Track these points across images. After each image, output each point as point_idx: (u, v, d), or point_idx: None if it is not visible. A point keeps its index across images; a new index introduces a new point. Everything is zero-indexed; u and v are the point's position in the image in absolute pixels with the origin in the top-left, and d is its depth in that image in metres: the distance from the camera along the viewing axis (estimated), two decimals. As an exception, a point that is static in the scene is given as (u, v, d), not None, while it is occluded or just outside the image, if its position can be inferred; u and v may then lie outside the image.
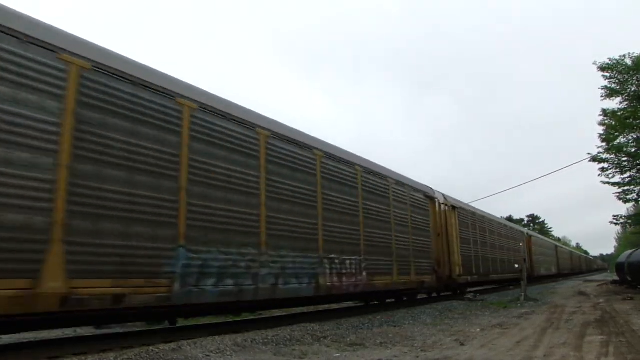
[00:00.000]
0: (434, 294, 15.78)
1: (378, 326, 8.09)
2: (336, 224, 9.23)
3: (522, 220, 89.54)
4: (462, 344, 6.01)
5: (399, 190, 12.22)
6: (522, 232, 28.00)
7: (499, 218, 24.87)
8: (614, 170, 22.03)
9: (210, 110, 6.72)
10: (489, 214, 21.98)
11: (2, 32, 4.57)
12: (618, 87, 20.99)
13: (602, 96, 21.49)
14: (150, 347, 5.34)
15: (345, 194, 9.72)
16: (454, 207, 16.15)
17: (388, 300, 13.08)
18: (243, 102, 7.73)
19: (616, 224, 28.53)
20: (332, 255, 8.91)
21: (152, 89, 5.95)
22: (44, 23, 5.10)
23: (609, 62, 20.50)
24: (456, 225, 15.90)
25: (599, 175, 22.41)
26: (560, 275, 40.42)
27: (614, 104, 21.57)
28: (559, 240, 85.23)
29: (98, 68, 5.37)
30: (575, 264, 56.61)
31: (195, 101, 6.53)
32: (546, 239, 44.04)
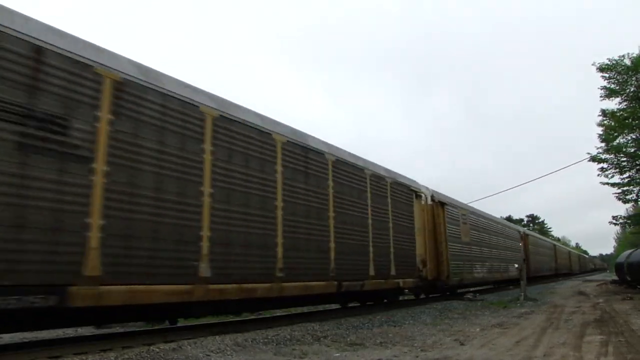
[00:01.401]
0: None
1: (378, 326, 8.10)
2: None
3: (522, 220, 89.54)
4: (462, 344, 6.02)
5: None
6: (415, 194, 13.14)
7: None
8: (614, 171, 22.03)
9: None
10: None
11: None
12: (617, 88, 21.00)
13: (601, 96, 21.53)
14: (151, 347, 5.36)
15: None
16: None
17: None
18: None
19: (615, 224, 28.49)
20: None
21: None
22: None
23: (608, 63, 20.54)
24: None
25: (598, 175, 22.41)
26: (532, 280, 26.00)
27: (613, 104, 21.62)
28: (558, 240, 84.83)
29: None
30: (562, 263, 43.52)
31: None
32: (506, 222, 28.03)
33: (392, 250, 11.35)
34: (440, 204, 14.96)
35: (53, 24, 5.18)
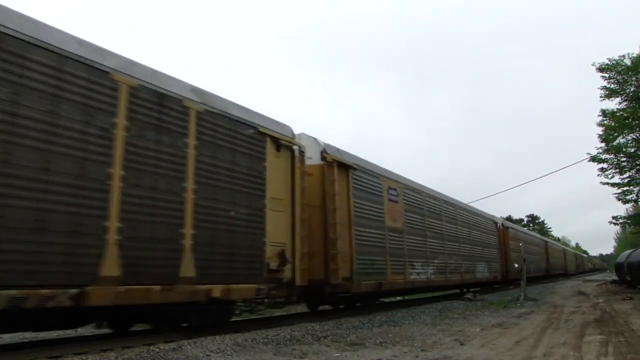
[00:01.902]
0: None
1: (378, 326, 8.10)
2: None
3: (522, 220, 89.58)
4: (462, 344, 6.02)
5: None
6: (273, 141, 8.05)
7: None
8: (614, 171, 22.01)
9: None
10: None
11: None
12: (617, 88, 20.99)
13: (601, 96, 21.52)
14: (151, 347, 5.35)
15: None
16: None
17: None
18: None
19: (615, 224, 28.49)
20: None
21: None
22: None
23: (608, 63, 20.53)
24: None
25: (598, 175, 22.40)
26: (504, 283, 22.37)
27: (613, 104, 21.61)
28: (558, 240, 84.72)
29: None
30: (555, 263, 38.89)
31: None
32: (476, 209, 20.83)
33: (189, 231, 6.36)
34: (341, 167, 9.84)
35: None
